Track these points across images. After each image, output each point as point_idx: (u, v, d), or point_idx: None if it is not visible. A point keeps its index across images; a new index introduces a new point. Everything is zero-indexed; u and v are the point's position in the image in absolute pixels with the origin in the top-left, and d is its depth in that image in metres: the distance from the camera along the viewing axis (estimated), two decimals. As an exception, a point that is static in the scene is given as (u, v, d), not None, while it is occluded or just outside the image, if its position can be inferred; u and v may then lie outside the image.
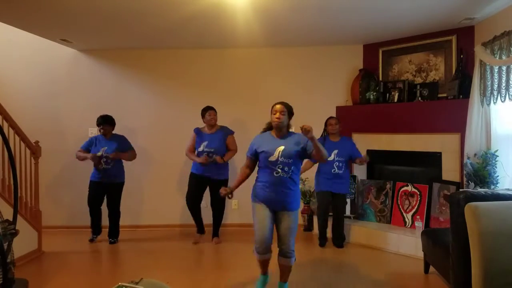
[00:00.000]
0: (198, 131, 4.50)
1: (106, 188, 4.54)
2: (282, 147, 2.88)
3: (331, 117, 4.48)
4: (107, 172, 4.49)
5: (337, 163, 4.29)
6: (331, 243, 4.43)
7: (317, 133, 4.41)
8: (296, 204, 2.98)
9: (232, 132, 4.54)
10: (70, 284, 3.47)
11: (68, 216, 5.18)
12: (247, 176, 3.11)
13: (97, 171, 4.52)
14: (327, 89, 5.21)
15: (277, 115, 2.89)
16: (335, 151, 4.30)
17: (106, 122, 4.52)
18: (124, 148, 4.60)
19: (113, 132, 4.64)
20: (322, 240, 4.41)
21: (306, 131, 2.68)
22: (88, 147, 4.53)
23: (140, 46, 5.17)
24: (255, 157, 3.03)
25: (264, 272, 3.11)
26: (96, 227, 4.65)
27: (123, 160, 4.63)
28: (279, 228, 2.94)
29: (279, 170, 2.86)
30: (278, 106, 2.92)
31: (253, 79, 5.30)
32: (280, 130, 2.93)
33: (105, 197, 4.60)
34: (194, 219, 4.57)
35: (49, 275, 3.70)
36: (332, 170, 4.29)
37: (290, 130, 3.04)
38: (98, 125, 4.52)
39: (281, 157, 2.86)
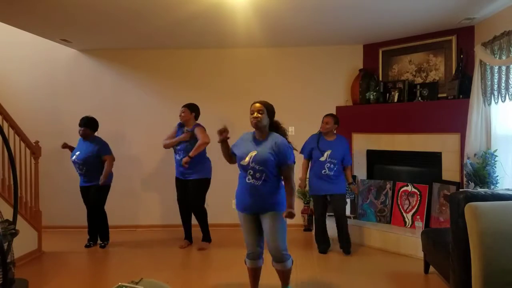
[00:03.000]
0: (179, 125, 4.39)
1: (88, 192, 4.39)
2: (254, 152, 2.68)
3: (326, 115, 4.22)
4: (83, 176, 4.37)
5: (329, 164, 4.04)
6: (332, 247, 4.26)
7: (314, 130, 4.39)
8: (278, 205, 2.73)
9: (197, 125, 4.29)
10: (70, 284, 3.47)
11: (68, 216, 5.18)
12: (227, 154, 2.85)
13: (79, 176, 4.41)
14: (327, 89, 5.21)
15: (255, 114, 2.69)
16: (328, 152, 4.05)
17: (86, 125, 4.34)
18: (100, 153, 4.34)
19: (96, 134, 4.47)
20: (321, 246, 4.18)
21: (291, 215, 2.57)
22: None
23: (140, 46, 5.17)
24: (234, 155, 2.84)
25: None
26: (89, 233, 4.53)
27: (106, 163, 4.37)
28: (264, 231, 2.77)
29: (250, 176, 2.68)
30: (256, 105, 2.72)
31: (253, 79, 5.30)
32: (260, 130, 2.74)
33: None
34: (182, 224, 4.47)
35: (49, 275, 3.70)
36: (323, 171, 4.06)
37: (279, 130, 2.83)
38: (79, 125, 4.36)
39: (252, 163, 2.66)
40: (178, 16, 3.82)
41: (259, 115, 2.69)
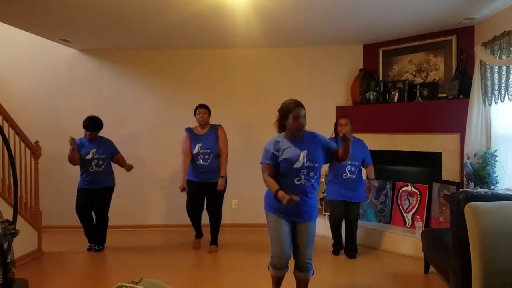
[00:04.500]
0: (190, 131, 4.25)
1: (94, 194, 4.25)
2: (305, 151, 2.60)
3: (342, 116, 4.12)
4: (96, 176, 4.24)
5: (349, 167, 3.95)
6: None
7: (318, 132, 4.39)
8: (316, 212, 2.74)
9: (220, 126, 4.30)
10: (70, 284, 3.47)
11: (68, 216, 5.16)
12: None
13: (85, 177, 4.25)
14: (327, 89, 5.21)
15: (300, 120, 2.62)
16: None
17: (94, 128, 4.23)
18: (114, 152, 4.38)
19: (100, 134, 4.36)
20: (336, 247, 4.14)
21: (346, 139, 2.57)
22: (78, 151, 4.20)
23: (140, 46, 5.17)
24: (276, 164, 2.66)
25: None
26: (90, 236, 4.37)
27: (122, 160, 4.40)
28: (297, 239, 2.69)
29: (302, 177, 2.60)
30: (300, 110, 2.62)
31: (253, 79, 5.30)
32: (300, 133, 2.69)
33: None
34: (193, 225, 4.35)
35: (49, 275, 3.70)
36: (344, 175, 3.95)
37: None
38: (84, 128, 4.21)
39: (306, 162, 2.58)
40: (179, 16, 3.82)
41: (304, 120, 2.65)
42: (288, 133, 2.70)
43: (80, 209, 4.26)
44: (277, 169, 2.65)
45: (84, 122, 4.24)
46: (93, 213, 4.37)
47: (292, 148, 2.63)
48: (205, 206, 4.35)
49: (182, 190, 4.16)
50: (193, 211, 4.27)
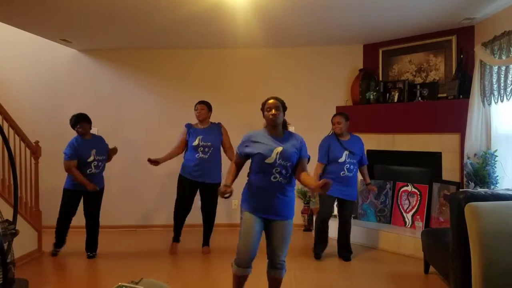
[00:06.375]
0: (190, 126, 4.20)
1: (85, 196, 4.03)
2: (280, 148, 2.59)
3: (335, 115, 4.01)
4: (93, 177, 3.99)
5: (348, 165, 3.83)
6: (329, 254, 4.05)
7: (318, 132, 4.37)
8: (292, 211, 2.73)
9: (221, 125, 4.29)
10: (70, 284, 3.47)
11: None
12: (237, 174, 2.79)
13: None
14: (327, 89, 5.21)
15: (273, 111, 2.61)
16: (346, 152, 3.84)
17: (83, 119, 3.97)
18: (107, 149, 4.17)
19: (100, 134, 4.24)
20: (317, 250, 3.97)
21: (324, 191, 2.46)
22: (76, 156, 3.94)
23: (140, 46, 5.18)
24: (245, 157, 2.72)
25: None
26: (63, 240, 4.15)
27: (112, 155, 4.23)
28: (272, 238, 2.66)
29: (277, 174, 2.58)
30: (272, 102, 2.64)
31: (253, 79, 5.30)
32: (276, 128, 2.66)
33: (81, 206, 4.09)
34: (176, 227, 4.21)
35: (49, 275, 3.71)
36: (341, 173, 3.82)
37: (288, 129, 2.78)
38: (74, 125, 3.97)
39: (279, 159, 2.57)
40: (179, 16, 3.83)
41: (277, 112, 2.62)
42: (268, 127, 2.71)
43: (67, 212, 4.04)
44: (252, 165, 2.70)
45: (71, 119, 4.01)
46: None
47: (267, 143, 2.63)
48: (200, 207, 4.28)
49: (152, 162, 3.97)
50: (181, 211, 4.15)
